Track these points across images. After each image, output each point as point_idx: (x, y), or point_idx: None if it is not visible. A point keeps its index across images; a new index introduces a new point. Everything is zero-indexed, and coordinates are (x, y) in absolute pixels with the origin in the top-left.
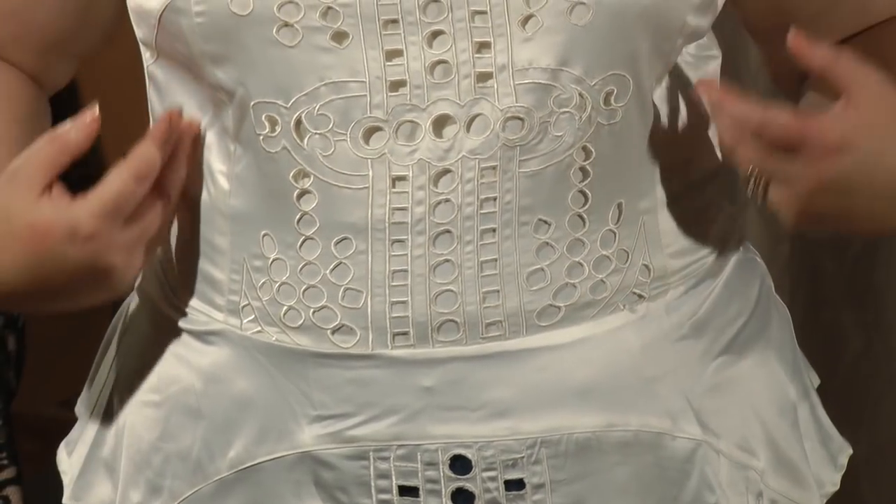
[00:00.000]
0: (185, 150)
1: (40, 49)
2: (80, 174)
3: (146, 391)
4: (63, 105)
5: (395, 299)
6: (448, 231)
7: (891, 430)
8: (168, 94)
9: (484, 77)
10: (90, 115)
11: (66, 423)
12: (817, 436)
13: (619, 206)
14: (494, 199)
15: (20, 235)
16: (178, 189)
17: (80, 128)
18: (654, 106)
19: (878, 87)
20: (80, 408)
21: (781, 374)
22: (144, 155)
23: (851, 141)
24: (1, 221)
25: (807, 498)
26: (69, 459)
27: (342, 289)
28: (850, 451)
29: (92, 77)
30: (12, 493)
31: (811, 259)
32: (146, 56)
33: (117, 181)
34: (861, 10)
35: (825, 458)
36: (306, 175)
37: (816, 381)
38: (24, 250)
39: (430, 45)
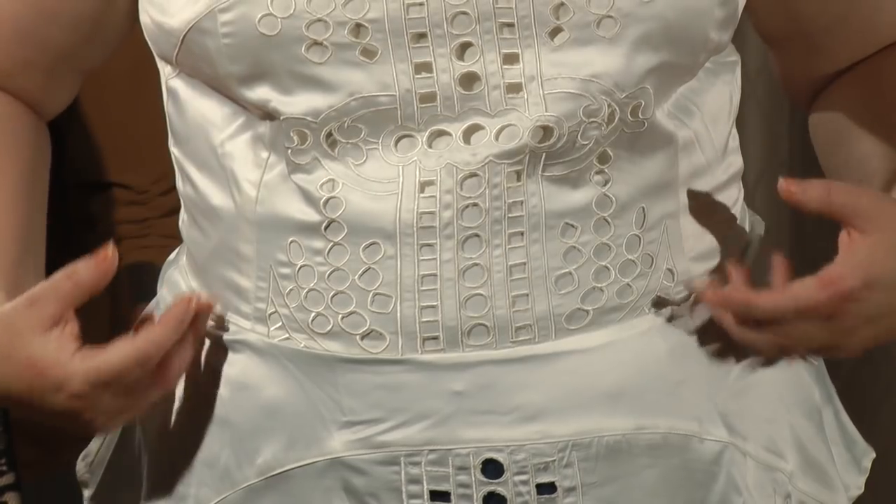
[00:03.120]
0: (196, 334)
1: (49, 69)
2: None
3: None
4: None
5: (424, 304)
6: (476, 235)
7: (890, 436)
8: (189, 108)
9: (514, 88)
10: (104, 256)
11: (65, 430)
12: (842, 439)
13: (643, 210)
14: (522, 202)
15: (19, 362)
16: (179, 374)
17: (94, 267)
18: (676, 115)
19: (877, 205)
20: None
21: (806, 376)
22: (154, 339)
23: (871, 276)
24: (13, 337)
25: (835, 500)
26: (90, 470)
27: (371, 294)
28: (873, 455)
29: (93, 84)
30: (11, 499)
31: (812, 266)
32: (166, 71)
33: (119, 357)
34: (871, 25)
35: (850, 461)
36: (335, 182)
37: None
38: (18, 375)
39: (459, 58)
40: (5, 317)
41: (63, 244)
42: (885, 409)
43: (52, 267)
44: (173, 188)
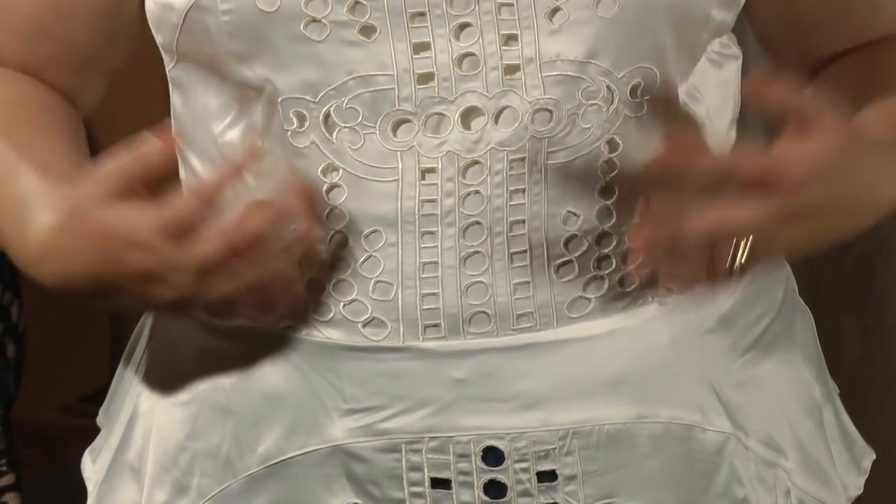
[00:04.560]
0: (307, 203)
1: (74, 66)
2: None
3: (175, 391)
4: None
5: (425, 291)
6: (478, 223)
7: (890, 436)
8: (189, 97)
9: (512, 69)
10: (166, 132)
11: (64, 429)
12: (841, 438)
13: (646, 198)
14: (523, 190)
15: (88, 234)
16: (291, 252)
17: (156, 144)
18: (681, 100)
19: (832, 117)
20: (102, 417)
21: (807, 374)
22: (208, 181)
23: (817, 166)
24: (79, 212)
25: (833, 499)
26: (93, 466)
27: (373, 282)
28: (874, 456)
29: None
30: (11, 499)
31: (810, 265)
32: (167, 60)
33: (180, 200)
34: (866, 22)
35: (849, 461)
36: (335, 169)
37: (836, 388)
38: (88, 247)
39: (458, 38)
40: (70, 197)
41: None
42: (885, 409)
43: None
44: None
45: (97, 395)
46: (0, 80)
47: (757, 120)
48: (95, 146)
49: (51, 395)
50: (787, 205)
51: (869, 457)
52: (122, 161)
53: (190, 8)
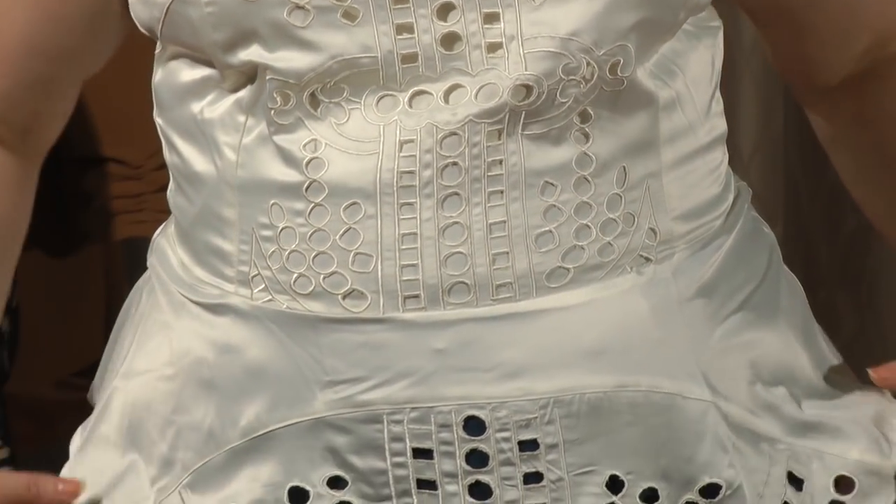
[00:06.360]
0: None
1: (53, 78)
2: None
3: (159, 366)
4: None
5: (405, 262)
6: (456, 194)
7: None
8: (171, 77)
9: (494, 47)
10: (73, 487)
11: (59, 404)
12: None
13: (624, 169)
14: (501, 161)
15: None
16: None
17: (57, 491)
18: (658, 74)
19: None
20: (93, 394)
21: (793, 341)
22: None
23: None
24: None
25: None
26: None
27: (352, 254)
28: None
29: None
30: None
31: (805, 240)
32: (158, 43)
33: None
34: (856, 2)
35: None
36: (317, 142)
37: (836, 355)
38: None
39: (441, 18)
40: None
41: (58, 219)
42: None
43: (47, 241)
44: None
45: (91, 370)
46: None
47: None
48: (90, 120)
49: (45, 369)
50: None
51: None
52: (19, 487)
53: (173, 1)
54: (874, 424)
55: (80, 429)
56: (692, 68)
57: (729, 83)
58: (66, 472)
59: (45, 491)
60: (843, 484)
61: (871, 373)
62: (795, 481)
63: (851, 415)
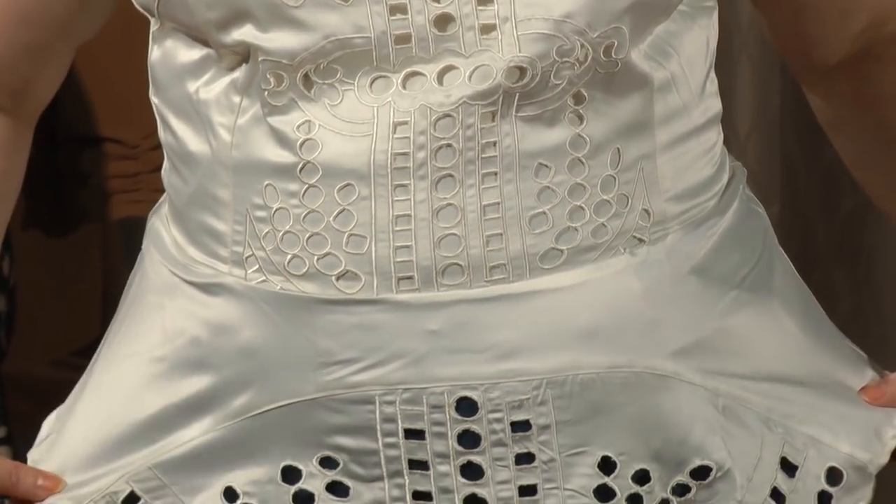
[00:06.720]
0: None
1: (46, 46)
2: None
3: (153, 346)
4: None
5: (399, 244)
6: (450, 175)
7: None
8: (166, 56)
9: (487, 29)
10: (53, 483)
11: (57, 384)
12: None
13: (618, 150)
14: (495, 143)
15: None
16: None
17: (36, 486)
18: (652, 55)
19: None
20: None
21: (788, 322)
22: None
23: None
24: None
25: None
26: (53, 422)
27: (346, 235)
28: None
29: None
30: (3, 452)
31: (802, 220)
32: (152, 22)
33: None
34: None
35: None
36: (311, 124)
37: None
38: None
39: None
40: None
41: (55, 199)
42: (876, 362)
43: (44, 221)
44: None
45: (89, 349)
46: None
47: (747, 73)
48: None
49: (43, 349)
50: None
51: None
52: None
53: None
54: (870, 420)
55: (55, 412)
56: (687, 49)
57: (726, 63)
58: (34, 455)
59: (23, 482)
60: (834, 475)
61: (863, 395)
62: (789, 468)
63: (848, 407)
